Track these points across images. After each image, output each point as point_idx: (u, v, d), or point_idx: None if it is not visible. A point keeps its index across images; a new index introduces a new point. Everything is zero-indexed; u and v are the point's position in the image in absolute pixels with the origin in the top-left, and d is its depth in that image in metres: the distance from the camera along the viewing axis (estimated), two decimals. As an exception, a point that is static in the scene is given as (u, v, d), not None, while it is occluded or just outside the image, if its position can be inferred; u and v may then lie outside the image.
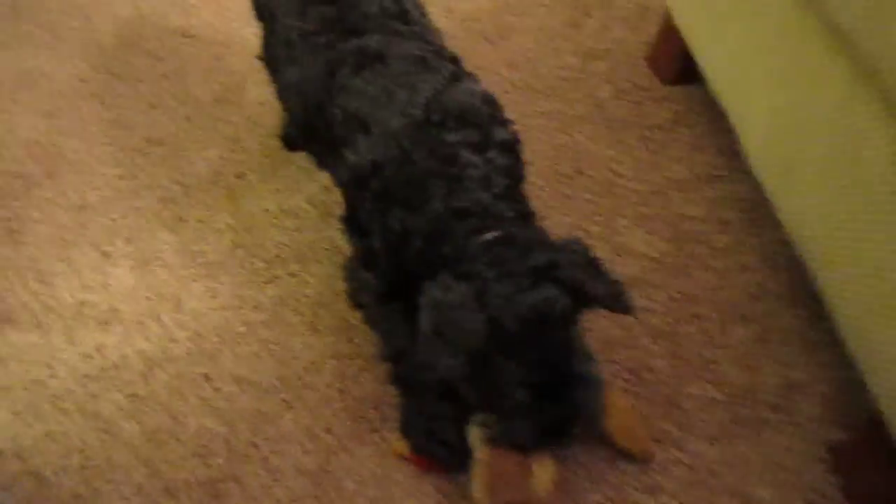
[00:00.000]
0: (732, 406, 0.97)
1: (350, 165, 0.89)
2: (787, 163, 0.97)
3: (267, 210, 1.18)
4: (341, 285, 1.07)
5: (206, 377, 1.00)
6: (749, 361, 1.01)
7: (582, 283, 0.76)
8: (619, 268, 1.11)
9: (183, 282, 1.10)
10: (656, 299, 1.08)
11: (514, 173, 0.88)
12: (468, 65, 1.38)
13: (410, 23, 0.95)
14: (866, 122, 0.81)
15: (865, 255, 0.84)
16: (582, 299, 0.76)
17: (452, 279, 0.77)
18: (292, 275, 1.10)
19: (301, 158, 1.25)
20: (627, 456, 0.91)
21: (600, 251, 1.11)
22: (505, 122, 0.91)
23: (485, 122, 0.87)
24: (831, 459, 0.93)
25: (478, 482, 0.83)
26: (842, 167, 0.86)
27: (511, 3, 1.55)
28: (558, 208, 1.19)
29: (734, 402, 0.98)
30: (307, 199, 1.20)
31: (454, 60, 0.96)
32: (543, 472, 0.83)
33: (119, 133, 1.31)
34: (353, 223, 0.95)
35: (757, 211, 1.18)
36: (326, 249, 1.13)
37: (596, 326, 1.04)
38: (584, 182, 1.23)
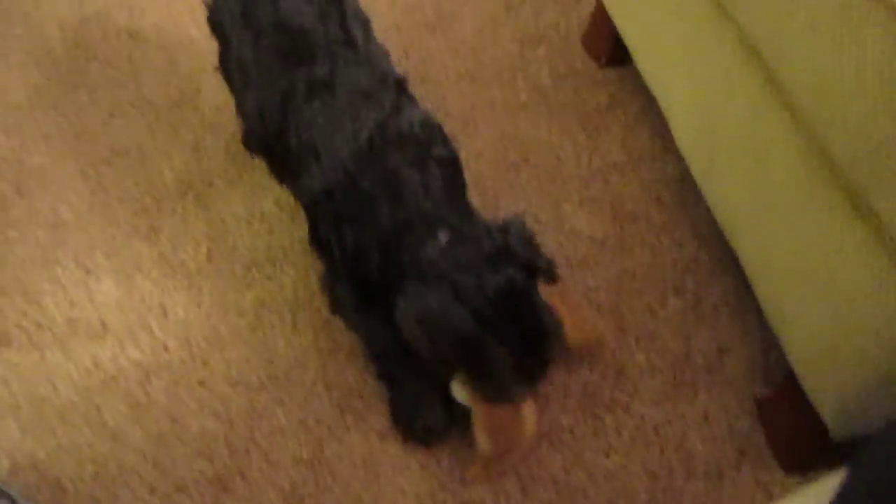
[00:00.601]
0: (672, 371, 1.11)
1: (306, 190, 1.02)
2: (709, 155, 1.09)
3: (237, 215, 1.26)
4: (315, 285, 1.17)
5: (201, 382, 1.09)
6: (685, 330, 1.15)
7: (531, 258, 0.90)
8: (569, 251, 1.23)
9: (166, 292, 1.17)
10: (602, 278, 1.20)
11: (455, 183, 0.99)
12: (414, 56, 1.47)
13: (356, 49, 1.03)
14: (774, 129, 0.93)
15: (775, 242, 0.97)
16: (533, 272, 0.91)
17: (422, 286, 0.89)
18: (269, 278, 1.19)
19: (264, 162, 1.32)
20: (588, 353, 1.08)
21: (550, 236, 1.23)
22: (445, 141, 1.01)
23: (422, 142, 0.97)
24: (756, 412, 1.08)
25: (480, 433, 0.94)
26: (753, 167, 0.98)
27: (450, -10, 1.62)
28: (507, 196, 1.30)
29: (673, 367, 1.12)
30: (274, 201, 1.28)
31: (398, 87, 1.04)
32: (529, 414, 0.96)
33: (82, 145, 1.35)
34: (317, 241, 1.06)
35: (688, 189, 1.30)
36: (298, 251, 1.22)
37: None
38: (530, 169, 1.33)
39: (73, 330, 1.13)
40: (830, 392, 0.91)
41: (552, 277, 0.95)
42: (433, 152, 0.97)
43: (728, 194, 1.06)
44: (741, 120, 0.99)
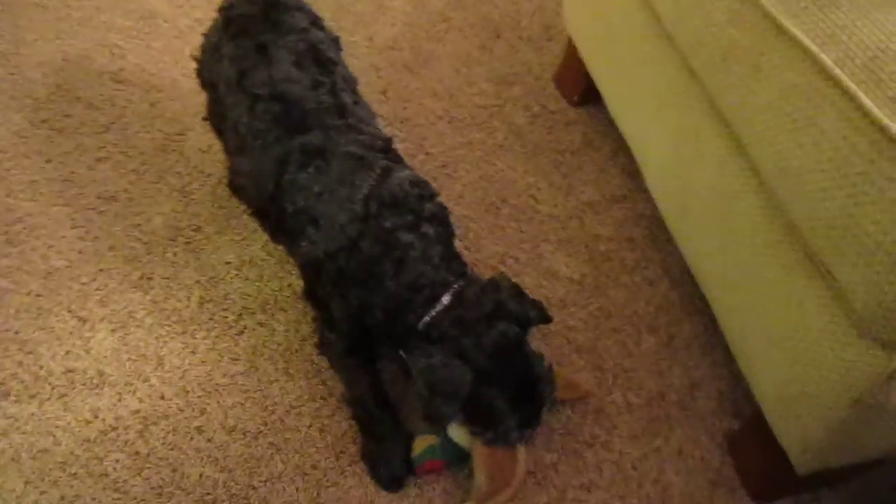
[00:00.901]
0: (648, 408, 1.18)
1: (304, 253, 1.07)
2: (682, 205, 1.15)
3: (228, 262, 1.30)
4: (306, 330, 1.22)
5: (199, 429, 1.13)
6: (659, 367, 1.22)
7: (521, 313, 1.00)
8: (547, 292, 1.29)
9: (161, 340, 1.21)
10: (579, 318, 1.27)
11: (446, 238, 1.06)
12: (393, 96, 1.52)
13: (346, 115, 1.08)
14: (741, 189, 1.00)
15: (741, 288, 1.04)
16: (524, 324, 1.01)
17: (428, 346, 0.98)
18: (261, 324, 1.23)
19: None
20: (576, 404, 1.17)
21: (530, 277, 1.29)
22: (433, 197, 1.07)
23: (415, 203, 1.03)
24: (727, 445, 1.16)
25: (479, 472, 1.02)
26: (721, 221, 1.05)
27: (427, 29, 1.67)
28: (489, 238, 1.36)
29: (649, 404, 1.19)
30: (262, 247, 1.32)
31: (385, 149, 1.09)
32: (521, 454, 1.04)
33: (71, 191, 1.38)
34: (313, 296, 1.14)
35: (658, 227, 1.37)
36: (288, 297, 1.26)
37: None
38: (508, 211, 1.39)
39: (70, 381, 1.16)
40: (794, 431, 0.99)
41: (545, 320, 1.05)
42: (425, 212, 1.03)
43: (698, 243, 1.13)
44: (710, 177, 1.05)
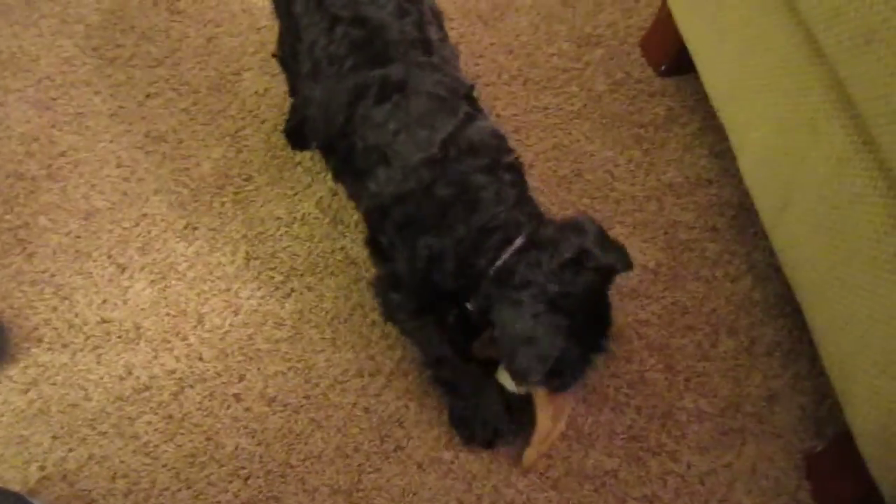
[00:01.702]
0: (720, 418, 1.08)
1: (371, 195, 0.98)
2: (783, 199, 1.03)
3: (278, 218, 1.21)
4: (357, 298, 1.14)
5: (237, 397, 1.06)
6: (736, 373, 1.12)
7: (608, 262, 0.92)
8: (620, 279, 1.18)
9: (203, 297, 1.13)
10: (653, 311, 1.16)
11: (522, 186, 0.99)
12: (465, 51, 1.40)
13: (431, 52, 1.00)
14: (862, 185, 0.88)
15: (848, 303, 0.92)
16: (608, 273, 0.93)
17: (512, 292, 0.89)
18: (309, 288, 1.15)
19: (306, 159, 1.27)
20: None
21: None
22: (510, 151, 1.00)
23: (493, 151, 0.97)
24: (806, 467, 1.05)
25: (543, 421, 0.97)
26: (832, 220, 0.93)
27: (506, -21, 1.54)
28: (559, 214, 1.25)
29: (722, 413, 1.08)
30: (316, 204, 1.23)
31: (468, 96, 1.01)
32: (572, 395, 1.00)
33: (118, 127, 1.30)
34: (377, 246, 1.03)
35: (745, 217, 1.25)
36: (340, 261, 1.18)
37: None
38: (582, 186, 1.28)
39: (105, 332, 1.10)
40: (894, 466, 0.88)
41: (628, 267, 0.96)
42: (502, 160, 0.96)
43: (797, 243, 1.01)
44: (825, 173, 0.93)
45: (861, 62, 0.81)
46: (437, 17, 1.07)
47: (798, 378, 1.12)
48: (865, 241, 0.88)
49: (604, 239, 0.94)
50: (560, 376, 0.93)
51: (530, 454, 0.99)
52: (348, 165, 1.02)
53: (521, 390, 0.99)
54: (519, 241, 0.92)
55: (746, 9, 1.07)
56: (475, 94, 1.05)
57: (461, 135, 0.95)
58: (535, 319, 0.88)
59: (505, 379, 1.00)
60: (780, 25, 1.00)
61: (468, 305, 0.97)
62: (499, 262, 0.91)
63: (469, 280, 0.94)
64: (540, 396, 0.97)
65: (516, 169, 0.99)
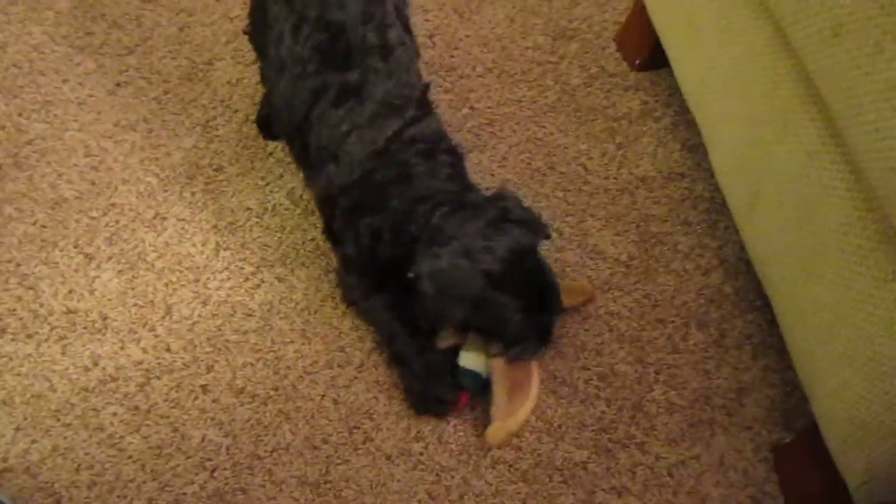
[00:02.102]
0: (690, 410, 1.08)
1: (321, 186, 1.06)
2: (752, 192, 1.04)
3: (249, 208, 1.20)
4: (328, 289, 1.13)
5: (204, 388, 1.05)
6: (706, 366, 1.12)
7: (529, 220, 0.98)
8: (592, 271, 1.19)
9: (171, 287, 1.12)
10: (623, 304, 1.16)
11: (457, 166, 1.05)
12: (440, 43, 1.40)
13: (388, 58, 1.03)
14: (830, 182, 0.88)
15: (815, 296, 0.93)
16: (533, 232, 0.98)
17: (435, 249, 0.94)
18: (279, 279, 1.14)
19: (278, 150, 1.26)
20: (579, 306, 1.14)
21: (573, 253, 1.19)
22: (451, 143, 1.07)
23: (434, 141, 1.04)
24: (773, 459, 1.06)
25: (499, 391, 0.99)
26: (800, 214, 0.94)
27: (482, -28, 1.53)
28: (532, 206, 1.24)
29: (692, 406, 1.09)
30: (288, 195, 1.22)
31: (421, 100, 1.07)
32: (536, 372, 1.01)
33: (87, 116, 1.28)
34: (331, 234, 1.10)
35: (718, 212, 1.26)
36: (310, 251, 1.17)
37: (568, 333, 1.13)
38: (555, 179, 1.28)
39: (71, 323, 1.08)
40: (857, 457, 0.89)
41: (547, 235, 1.02)
42: (441, 146, 1.04)
43: (767, 237, 1.02)
44: (794, 166, 0.94)
45: (828, 55, 0.82)
46: (402, 16, 1.09)
47: (767, 371, 1.12)
48: (832, 234, 0.88)
49: (523, 207, 1.00)
50: (509, 344, 0.96)
51: (493, 430, 0.99)
52: (304, 159, 1.09)
53: (484, 368, 1.01)
54: (446, 207, 0.97)
55: (718, 3, 1.07)
56: (429, 93, 1.09)
57: (405, 132, 1.02)
58: (453, 268, 0.92)
59: (468, 361, 1.02)
60: (751, 19, 1.00)
61: (409, 275, 0.98)
62: (429, 225, 0.97)
63: (405, 249, 0.98)
64: (496, 369, 0.99)
65: (454, 152, 1.05)
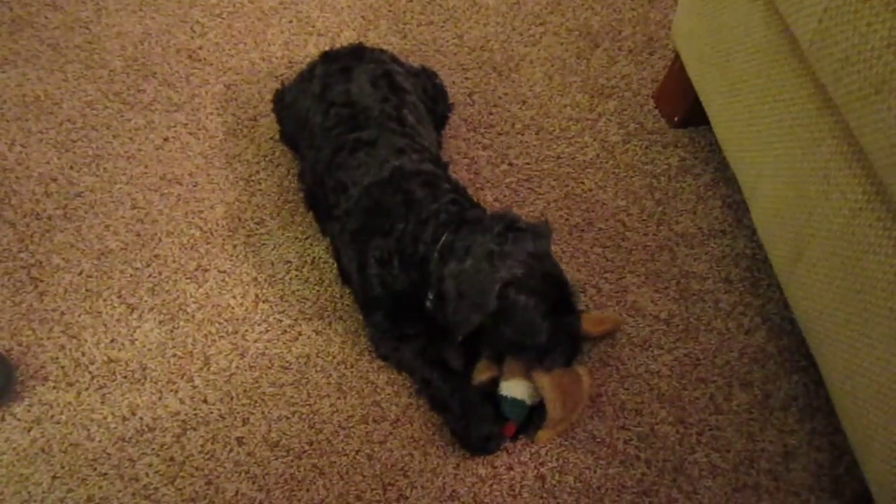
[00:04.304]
0: (733, 474, 1.05)
1: (334, 220, 1.13)
2: (796, 249, 1.02)
3: (288, 262, 1.21)
4: (364, 343, 1.12)
5: (240, 441, 1.04)
6: (750, 428, 1.09)
7: (536, 227, 1.01)
8: (631, 329, 1.17)
9: (210, 338, 1.13)
10: (664, 362, 1.14)
11: (460, 192, 1.10)
12: (479, 100, 1.42)
13: (405, 125, 1.15)
14: (875, 236, 0.86)
15: (864, 356, 0.90)
16: (543, 237, 1.01)
17: (460, 255, 0.97)
18: (317, 332, 1.14)
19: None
20: (607, 334, 1.15)
21: (612, 310, 1.17)
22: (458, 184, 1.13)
23: (438, 175, 1.11)
24: (823, 528, 1.02)
25: (551, 404, 1.00)
26: (846, 271, 0.92)
27: (521, 32, 1.56)
28: (570, 263, 1.24)
29: (735, 469, 1.05)
30: (326, 248, 1.23)
31: (435, 160, 1.15)
32: (583, 372, 1.04)
33: (135, 169, 1.31)
34: (344, 273, 1.16)
35: (758, 270, 1.24)
36: (348, 305, 1.17)
37: (607, 391, 1.10)
38: (594, 235, 1.27)
39: (111, 372, 1.09)
40: (914, 528, 0.85)
41: (549, 230, 1.04)
42: (443, 176, 1.11)
43: (812, 295, 0.99)
44: (839, 223, 0.92)
45: (871, 111, 0.81)
46: (419, 113, 1.21)
47: (815, 434, 1.08)
48: (880, 293, 0.86)
49: (524, 220, 1.03)
50: (538, 349, 0.98)
51: (543, 434, 1.03)
52: (325, 208, 1.15)
53: (528, 394, 1.03)
54: (452, 226, 1.01)
55: (756, 61, 1.07)
56: (442, 166, 1.17)
57: (411, 166, 1.08)
58: (476, 271, 0.95)
59: (509, 389, 1.03)
60: (790, 77, 1.00)
61: (428, 304, 1.02)
62: (439, 245, 1.00)
63: (416, 272, 1.02)
64: (545, 386, 1.00)
65: (458, 185, 1.11)
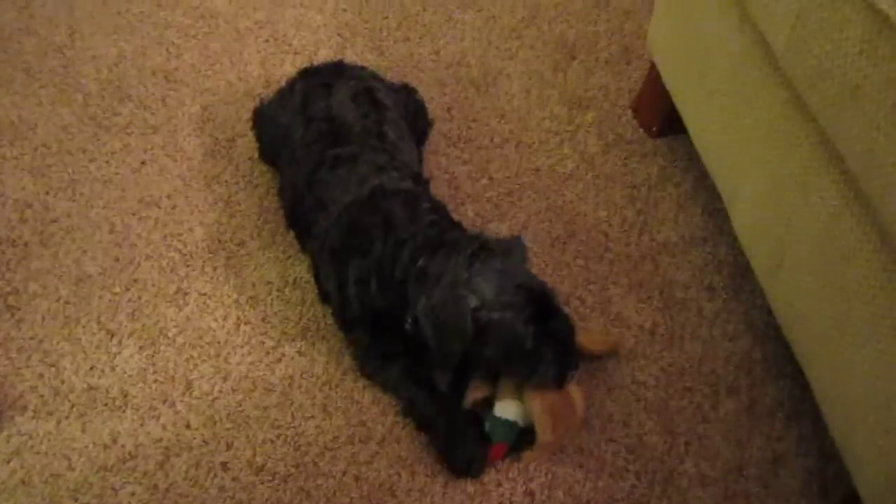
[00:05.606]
0: (723, 482, 1.05)
1: (313, 238, 1.13)
2: (777, 254, 1.02)
3: (269, 282, 1.20)
4: (348, 363, 1.11)
5: (224, 466, 1.03)
6: (737, 435, 1.09)
7: (508, 244, 1.03)
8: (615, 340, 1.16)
9: (192, 362, 1.11)
10: (650, 372, 1.14)
11: (440, 212, 1.10)
12: (458, 115, 1.41)
13: (385, 141, 1.16)
14: (855, 240, 0.87)
15: (848, 360, 0.90)
16: (516, 253, 1.03)
17: (424, 288, 0.98)
18: (300, 353, 1.13)
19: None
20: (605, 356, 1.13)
21: (596, 322, 1.17)
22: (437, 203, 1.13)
23: (419, 193, 1.12)
24: (814, 533, 1.01)
25: (541, 426, 1.00)
26: (827, 276, 0.92)
27: (497, 46, 1.57)
28: (553, 275, 1.24)
29: (725, 478, 1.05)
30: (308, 268, 1.22)
31: (414, 178, 1.15)
32: (577, 395, 1.02)
33: (112, 193, 1.30)
34: (323, 291, 1.14)
35: (742, 276, 1.24)
36: (331, 325, 1.16)
37: (595, 404, 1.10)
38: (576, 247, 1.27)
39: (92, 400, 1.08)
40: (904, 531, 0.84)
41: (523, 246, 1.06)
42: (424, 195, 1.12)
43: (794, 300, 1.00)
44: (817, 228, 0.92)
45: (846, 117, 0.82)
46: (400, 128, 1.21)
47: (802, 439, 1.08)
48: (862, 297, 0.86)
49: (499, 239, 1.05)
50: (527, 367, 0.97)
51: (529, 456, 1.03)
52: (304, 225, 1.16)
53: (520, 415, 1.02)
54: (428, 249, 1.01)
55: (731, 69, 1.08)
56: (423, 181, 1.18)
57: (391, 185, 1.09)
58: (444, 303, 0.95)
59: (501, 410, 1.02)
60: (765, 84, 1.01)
61: (406, 327, 1.01)
62: (415, 269, 1.00)
63: (394, 294, 1.02)
64: (535, 407, 0.99)
65: (438, 204, 1.12)
